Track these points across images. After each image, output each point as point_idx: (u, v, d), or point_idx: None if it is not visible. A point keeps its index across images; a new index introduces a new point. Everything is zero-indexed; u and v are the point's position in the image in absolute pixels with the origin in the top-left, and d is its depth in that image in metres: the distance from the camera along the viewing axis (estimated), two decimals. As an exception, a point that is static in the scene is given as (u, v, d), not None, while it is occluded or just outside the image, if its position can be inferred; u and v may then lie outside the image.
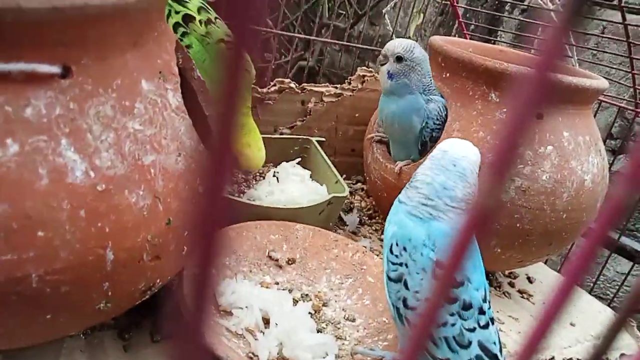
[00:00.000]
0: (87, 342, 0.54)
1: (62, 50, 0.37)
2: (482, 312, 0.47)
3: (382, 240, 0.86)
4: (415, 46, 0.74)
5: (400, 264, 0.48)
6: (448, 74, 0.76)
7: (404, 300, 0.48)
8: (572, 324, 0.77)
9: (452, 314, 0.47)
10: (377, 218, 0.93)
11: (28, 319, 0.40)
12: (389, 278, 0.50)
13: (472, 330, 0.47)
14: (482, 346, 0.47)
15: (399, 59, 0.73)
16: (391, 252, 0.49)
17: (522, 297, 0.82)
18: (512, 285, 0.85)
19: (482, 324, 0.47)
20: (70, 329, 0.47)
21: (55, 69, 0.37)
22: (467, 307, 0.47)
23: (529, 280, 0.87)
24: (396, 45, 0.74)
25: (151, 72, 0.45)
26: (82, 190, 0.38)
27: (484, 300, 0.48)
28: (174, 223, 0.45)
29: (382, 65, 0.76)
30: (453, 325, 0.47)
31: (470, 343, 0.47)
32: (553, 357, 0.69)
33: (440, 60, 0.77)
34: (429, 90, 0.75)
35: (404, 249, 0.48)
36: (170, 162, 0.45)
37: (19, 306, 0.38)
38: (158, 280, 0.48)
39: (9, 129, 0.35)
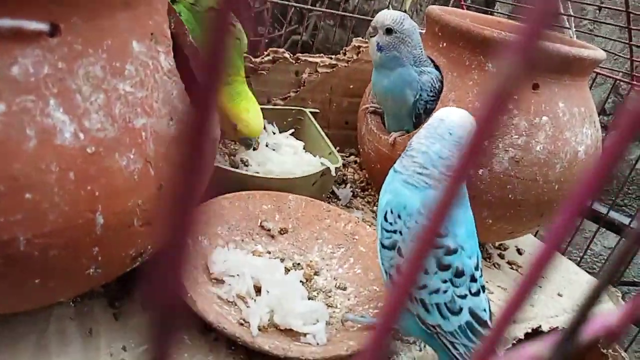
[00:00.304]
0: (76, 310, 0.53)
1: (51, 8, 0.36)
2: (473, 279, 0.48)
3: (374, 212, 0.86)
4: (405, 17, 0.73)
5: (395, 232, 0.48)
6: (445, 44, 0.75)
7: (397, 268, 0.48)
8: (559, 294, 0.78)
9: (444, 281, 0.47)
10: (370, 190, 0.92)
11: (16, 283, 0.39)
12: (383, 245, 0.50)
13: (464, 297, 0.47)
14: (472, 313, 0.47)
15: (389, 31, 0.72)
16: (385, 219, 0.49)
17: (512, 268, 0.83)
18: (501, 256, 0.85)
19: (473, 291, 0.48)
20: (59, 295, 0.47)
21: (43, 27, 0.36)
22: (459, 274, 0.47)
23: (519, 252, 0.88)
24: (386, 16, 0.72)
25: (142, 34, 0.43)
26: (71, 152, 0.37)
27: (476, 268, 0.48)
28: (166, 189, 0.44)
29: (371, 37, 0.74)
30: (445, 292, 0.47)
31: (461, 310, 0.47)
32: (540, 326, 0.70)
33: (437, 29, 0.76)
34: (419, 61, 0.74)
35: (399, 216, 0.48)
36: (162, 126, 0.44)
37: (7, 269, 0.37)
38: (149, 247, 0.47)
39: (-6, 87, 0.34)
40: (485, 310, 0.49)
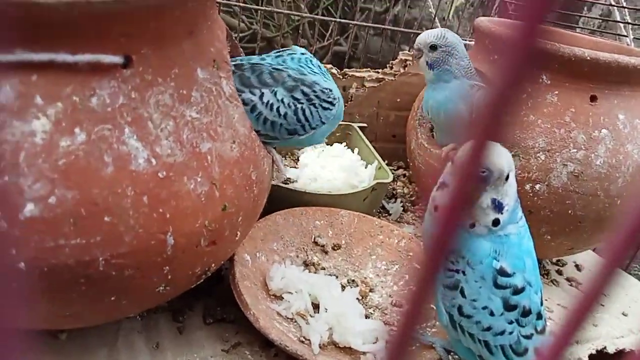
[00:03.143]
0: (143, 324, 0.56)
1: (124, 41, 0.38)
2: (539, 317, 0.45)
3: (425, 226, 0.85)
4: (446, 31, 0.73)
5: (457, 271, 0.46)
6: (496, 57, 0.74)
7: (459, 308, 0.46)
8: (624, 314, 0.75)
9: (510, 322, 0.45)
10: (421, 205, 0.92)
11: (94, 301, 0.42)
12: (444, 285, 0.47)
13: (529, 337, 0.45)
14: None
15: (433, 47, 0.72)
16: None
17: (571, 285, 0.80)
18: (560, 273, 0.83)
19: (539, 329, 0.45)
20: (130, 311, 0.49)
21: (117, 59, 0.38)
22: (526, 313, 0.45)
23: (577, 268, 0.85)
24: (427, 35, 0.73)
25: (206, 61, 0.45)
26: (144, 177, 0.39)
27: (541, 303, 0.46)
28: (229, 209, 0.46)
29: (418, 59, 0.75)
30: (510, 333, 0.45)
31: (526, 350, 0.45)
32: (605, 347, 0.68)
33: (487, 42, 0.75)
34: (470, 74, 0.73)
35: (462, 256, 0.46)
36: (226, 149, 0.46)
37: (86, 288, 0.39)
38: (213, 265, 0.49)
39: (76, 118, 0.37)
40: None
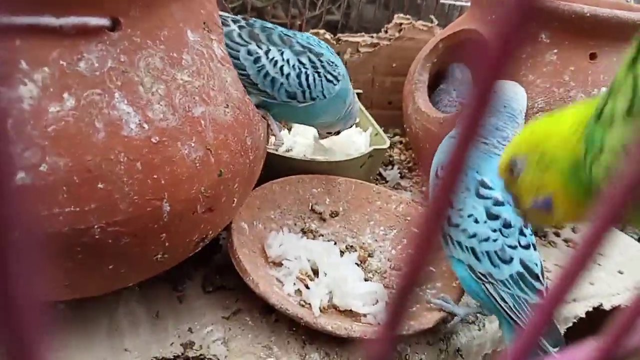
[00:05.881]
0: (143, 294, 0.56)
1: (110, 3, 0.37)
2: (522, 233, 0.49)
3: (423, 193, 0.85)
4: (459, 67, 0.77)
5: None
6: (493, 16, 0.72)
7: (448, 218, 0.49)
8: (620, 272, 0.76)
9: (494, 230, 0.48)
10: (418, 171, 0.91)
11: (91, 270, 0.41)
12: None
13: (514, 247, 0.48)
14: (523, 264, 0.48)
15: None
16: (437, 176, 0.50)
17: (568, 246, 0.81)
18: (557, 234, 0.83)
19: (522, 244, 0.49)
20: (129, 280, 0.49)
21: (104, 22, 0.37)
22: (507, 225, 0.48)
23: (573, 230, 0.86)
24: None
25: (196, 23, 0.44)
26: (137, 142, 0.38)
27: (525, 226, 0.49)
28: (225, 175, 0.45)
29: None
30: (495, 240, 0.48)
31: (511, 259, 0.48)
32: (601, 304, 0.68)
33: (484, 2, 0.73)
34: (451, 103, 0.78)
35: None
36: (219, 113, 0.45)
37: (83, 257, 0.39)
38: (210, 232, 0.49)
39: (64, 83, 0.36)
40: (536, 264, 0.49)
